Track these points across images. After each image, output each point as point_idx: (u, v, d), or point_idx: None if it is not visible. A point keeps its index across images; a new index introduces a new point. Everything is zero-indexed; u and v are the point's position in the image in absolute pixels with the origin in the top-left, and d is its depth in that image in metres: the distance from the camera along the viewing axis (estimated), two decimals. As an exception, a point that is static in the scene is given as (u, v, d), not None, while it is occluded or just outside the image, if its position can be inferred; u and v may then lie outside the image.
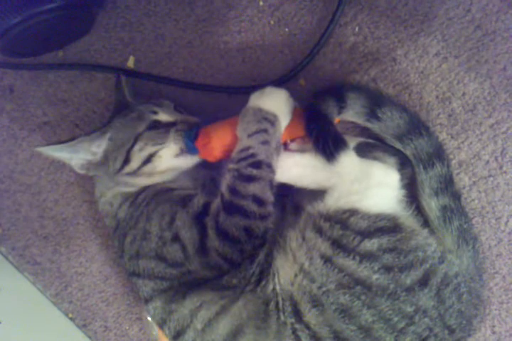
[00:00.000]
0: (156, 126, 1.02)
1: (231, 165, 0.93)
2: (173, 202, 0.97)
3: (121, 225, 1.02)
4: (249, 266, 0.92)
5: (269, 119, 0.94)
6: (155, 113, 1.04)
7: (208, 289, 0.91)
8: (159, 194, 1.00)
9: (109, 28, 1.22)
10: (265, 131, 0.93)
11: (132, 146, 1.01)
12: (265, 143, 0.92)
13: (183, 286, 0.93)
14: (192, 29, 1.18)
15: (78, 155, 1.04)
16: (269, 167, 0.92)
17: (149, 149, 1.01)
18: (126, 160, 1.01)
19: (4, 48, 1.10)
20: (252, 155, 0.91)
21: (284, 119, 0.96)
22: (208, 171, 1.06)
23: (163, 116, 1.04)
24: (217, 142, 0.98)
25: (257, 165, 0.91)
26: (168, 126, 1.03)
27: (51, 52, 1.23)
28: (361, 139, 1.01)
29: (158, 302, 0.95)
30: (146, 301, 0.97)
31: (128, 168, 1.02)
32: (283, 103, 0.97)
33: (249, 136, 0.93)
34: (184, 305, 0.91)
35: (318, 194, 0.93)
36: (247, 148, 0.92)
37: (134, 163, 1.01)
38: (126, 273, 1.10)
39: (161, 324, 0.96)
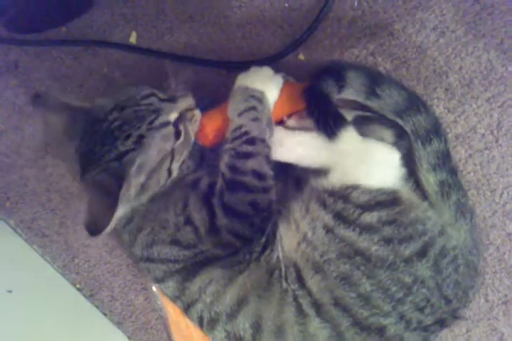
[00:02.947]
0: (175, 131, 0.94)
1: (227, 146, 0.95)
2: (185, 187, 0.98)
3: (134, 221, 0.99)
4: (260, 239, 0.93)
5: (256, 97, 0.96)
6: (167, 124, 0.92)
7: (218, 267, 0.92)
8: (174, 183, 0.99)
9: (111, 4, 1.22)
10: (254, 108, 0.95)
11: (171, 163, 0.94)
12: (256, 119, 0.94)
13: (196, 265, 0.94)
14: (193, 4, 1.18)
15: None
16: (264, 142, 0.94)
17: (184, 153, 0.97)
18: (169, 175, 0.96)
19: (8, 24, 1.12)
20: (245, 133, 0.93)
21: (271, 95, 0.98)
22: (211, 152, 1.06)
23: (173, 115, 0.93)
24: (210, 127, 1.01)
25: (252, 141, 0.93)
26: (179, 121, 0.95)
27: (54, 28, 1.24)
28: (358, 112, 1.03)
29: (170, 282, 0.96)
30: (158, 281, 0.98)
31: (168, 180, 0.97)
32: (268, 79, 0.99)
33: (239, 115, 0.95)
34: (194, 283, 0.93)
35: (321, 169, 0.95)
36: (240, 127, 0.94)
37: (174, 173, 0.97)
38: (134, 260, 1.08)
39: (174, 300, 0.98)
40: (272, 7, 1.14)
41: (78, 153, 0.92)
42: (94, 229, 0.83)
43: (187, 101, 0.96)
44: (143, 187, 0.91)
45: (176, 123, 0.93)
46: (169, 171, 0.94)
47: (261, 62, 1.03)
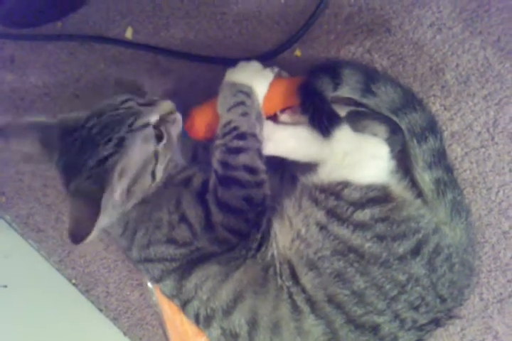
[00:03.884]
0: (157, 134, 0.94)
1: (218, 142, 0.95)
2: (176, 185, 0.98)
3: (129, 226, 0.98)
4: (256, 235, 0.93)
5: (244, 92, 0.96)
6: (147, 125, 0.93)
7: (214, 264, 0.92)
8: (163, 184, 0.99)
9: (108, -2, 1.22)
10: (243, 103, 0.95)
11: (155, 166, 0.94)
12: (245, 114, 0.95)
13: (192, 263, 0.94)
14: (189, 0, 1.18)
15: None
16: (254, 136, 0.94)
17: (168, 156, 0.97)
18: (153, 178, 0.96)
19: (3, 18, 1.11)
20: (235, 128, 0.94)
21: (260, 89, 0.99)
22: (203, 150, 1.08)
23: (153, 117, 0.94)
24: (200, 123, 1.02)
25: (242, 136, 0.93)
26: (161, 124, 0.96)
27: (50, 23, 1.24)
28: (351, 108, 1.03)
29: (168, 281, 0.96)
30: (157, 281, 0.98)
31: (153, 184, 0.97)
32: (256, 74, 1.00)
33: (229, 110, 0.96)
34: (190, 280, 0.93)
35: (311, 165, 0.95)
36: (229, 122, 0.95)
37: (158, 176, 0.96)
38: (132, 262, 1.06)
39: (172, 298, 0.98)
40: (269, 3, 1.14)
41: (60, 167, 0.92)
42: (77, 237, 0.81)
43: (167, 105, 0.97)
44: (128, 192, 0.91)
45: (157, 126, 0.94)
46: (153, 174, 0.94)
47: (257, 59, 1.03)
